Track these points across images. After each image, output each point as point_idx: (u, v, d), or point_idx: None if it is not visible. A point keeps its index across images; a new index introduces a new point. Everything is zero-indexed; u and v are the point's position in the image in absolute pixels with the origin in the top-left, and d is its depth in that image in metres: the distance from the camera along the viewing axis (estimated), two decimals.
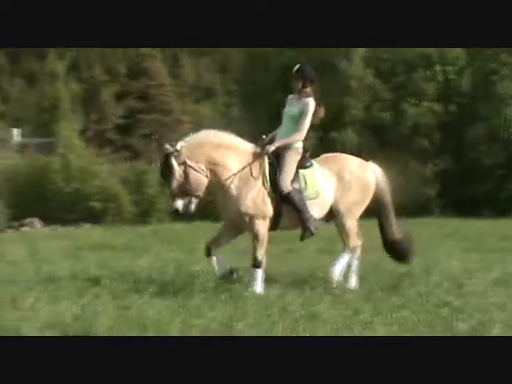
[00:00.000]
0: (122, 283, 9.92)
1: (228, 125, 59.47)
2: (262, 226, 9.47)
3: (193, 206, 9.36)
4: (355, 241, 9.98)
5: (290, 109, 9.90)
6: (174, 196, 9.31)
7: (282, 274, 10.42)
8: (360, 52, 39.85)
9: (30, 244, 18.20)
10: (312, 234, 9.67)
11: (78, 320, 7.40)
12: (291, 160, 9.57)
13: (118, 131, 59.04)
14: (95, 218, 29.87)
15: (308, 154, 9.86)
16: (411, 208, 32.77)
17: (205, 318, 7.47)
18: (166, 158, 9.28)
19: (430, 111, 36.04)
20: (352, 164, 10.11)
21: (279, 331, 6.88)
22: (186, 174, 9.23)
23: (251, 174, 9.47)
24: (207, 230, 10.17)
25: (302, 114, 9.70)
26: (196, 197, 9.35)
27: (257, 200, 9.42)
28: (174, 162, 9.20)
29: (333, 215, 9.97)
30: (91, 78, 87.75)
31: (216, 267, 9.71)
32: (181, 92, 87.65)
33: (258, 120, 46.43)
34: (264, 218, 9.47)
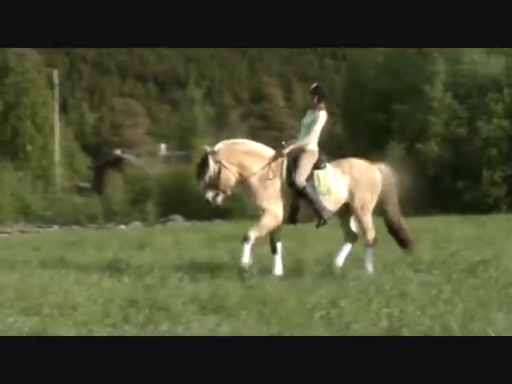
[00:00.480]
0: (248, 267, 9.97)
1: (331, 140, 59.37)
2: (269, 220, 9.36)
3: (219, 199, 9.38)
4: (372, 233, 9.83)
5: (306, 119, 9.85)
6: (205, 189, 9.34)
7: (377, 259, 10.29)
8: (441, 78, 39.87)
9: (174, 236, 18.47)
10: (325, 223, 9.58)
11: (213, 297, 7.47)
12: (306, 161, 9.48)
13: None
14: (225, 215, 30.21)
15: (324, 158, 9.77)
16: (483, 205, 33.17)
17: (315, 295, 7.46)
18: (205, 157, 9.34)
19: (499, 127, 36.36)
20: (360, 165, 9.91)
21: (375, 306, 6.83)
22: (218, 171, 9.26)
23: (269, 176, 9.40)
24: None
25: (313, 123, 9.64)
26: (223, 192, 9.38)
27: (271, 198, 9.35)
28: (211, 161, 9.24)
29: (350, 211, 9.86)
30: (222, 103, 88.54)
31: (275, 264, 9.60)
32: (293, 113, 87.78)
33: (357, 136, 46.42)
34: (274, 214, 9.37)
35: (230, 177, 9.36)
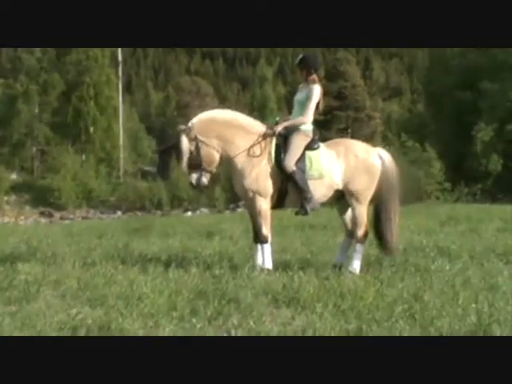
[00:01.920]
0: (323, 257, 9.96)
1: (412, 119, 58.98)
2: (264, 203, 8.93)
3: (205, 180, 8.95)
4: (364, 228, 9.13)
5: (299, 95, 9.31)
6: (188, 171, 8.97)
7: (463, 250, 10.18)
8: None
9: (243, 223, 18.53)
10: (306, 213, 9.05)
11: (286, 288, 7.48)
12: (298, 143, 8.97)
13: (317, 126, 59.08)
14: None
15: (317, 137, 9.24)
16: None
17: (396, 289, 7.40)
18: (178, 136, 8.97)
19: None
20: (357, 148, 9.29)
21: (462, 300, 6.74)
22: (197, 149, 8.85)
23: (257, 153, 8.94)
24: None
25: (307, 98, 9.11)
26: (208, 171, 8.97)
27: (260, 177, 8.89)
28: (185, 139, 8.84)
29: (345, 198, 9.22)
30: (294, 81, 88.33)
31: (256, 256, 9.13)
32: (372, 91, 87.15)
33: (441, 115, 46.03)
34: (265, 194, 8.92)
35: (212, 153, 8.97)
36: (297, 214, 9.23)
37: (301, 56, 9.39)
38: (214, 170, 9.12)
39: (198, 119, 9.05)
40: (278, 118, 9.43)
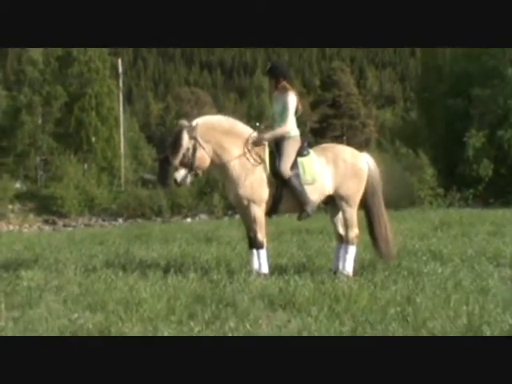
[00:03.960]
0: (319, 261, 9.94)
1: (406, 127, 58.91)
2: (259, 210, 8.90)
3: (188, 180, 8.94)
4: (355, 230, 9.15)
5: (276, 106, 9.30)
6: (176, 167, 8.88)
7: (455, 253, 10.17)
8: None
9: (241, 229, 18.48)
10: (308, 215, 9.06)
11: (282, 292, 7.47)
12: (290, 148, 8.95)
13: (313, 134, 59.50)
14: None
15: (306, 144, 9.22)
16: None
17: (389, 291, 7.40)
18: (180, 131, 8.90)
19: None
20: (345, 153, 9.32)
21: (453, 302, 6.73)
22: (194, 149, 8.79)
23: (251, 160, 8.92)
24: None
25: (284, 109, 9.07)
26: (195, 173, 9.01)
27: (254, 185, 8.85)
28: (186, 136, 8.78)
29: (334, 203, 9.27)
30: None
31: (252, 261, 9.05)
32: (366, 100, 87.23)
33: (433, 122, 45.95)
34: (260, 202, 8.89)
35: (205, 157, 8.92)
36: (299, 218, 9.24)
37: (269, 65, 9.44)
38: (200, 173, 9.21)
39: (203, 122, 9.00)
40: (258, 124, 9.41)
